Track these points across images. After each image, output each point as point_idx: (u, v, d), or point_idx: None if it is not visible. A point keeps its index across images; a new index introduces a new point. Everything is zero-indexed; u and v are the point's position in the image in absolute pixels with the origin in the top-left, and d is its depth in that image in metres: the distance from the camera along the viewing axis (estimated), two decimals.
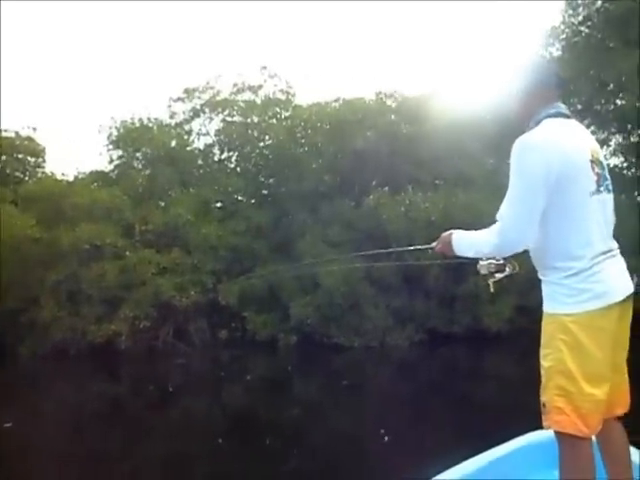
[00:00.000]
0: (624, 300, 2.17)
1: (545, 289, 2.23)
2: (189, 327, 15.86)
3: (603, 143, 17.40)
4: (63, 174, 18.57)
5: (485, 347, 13.96)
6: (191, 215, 16.17)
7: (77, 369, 13.88)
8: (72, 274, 14.93)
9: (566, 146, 2.12)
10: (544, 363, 2.18)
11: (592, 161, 2.15)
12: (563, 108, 2.27)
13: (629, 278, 2.25)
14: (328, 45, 36.76)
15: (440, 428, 7.64)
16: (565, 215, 2.12)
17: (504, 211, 2.17)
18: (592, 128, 16.98)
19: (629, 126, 16.75)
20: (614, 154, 17.55)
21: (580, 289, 2.09)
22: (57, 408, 10.26)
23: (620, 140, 17.81)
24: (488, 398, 9.41)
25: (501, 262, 2.47)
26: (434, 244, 2.62)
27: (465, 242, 2.41)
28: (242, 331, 16.15)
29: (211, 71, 23.44)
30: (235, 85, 19.88)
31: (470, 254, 2.39)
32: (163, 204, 16.84)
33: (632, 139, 17.43)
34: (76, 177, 18.77)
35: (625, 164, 17.25)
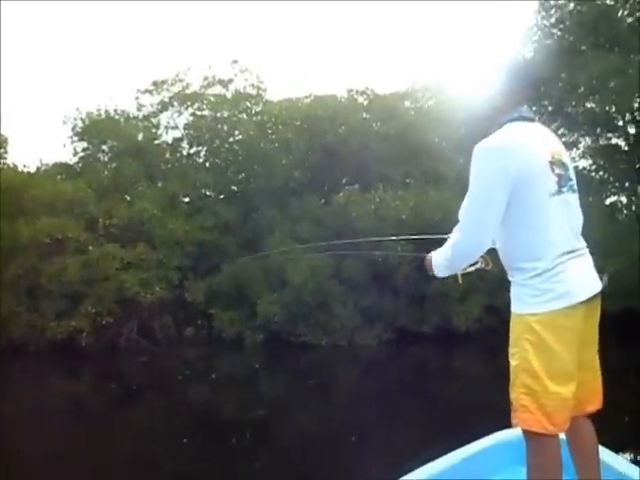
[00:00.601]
0: (590, 299, 2.18)
1: (512, 290, 2.26)
2: (154, 324, 15.52)
3: (572, 145, 17.61)
4: (25, 165, 17.94)
5: (454, 346, 14.02)
6: (157, 210, 15.81)
7: (36, 366, 13.47)
8: (32, 268, 14.50)
9: (523, 149, 2.15)
10: (512, 362, 2.21)
11: (552, 162, 2.18)
12: (525, 111, 2.29)
13: (596, 277, 2.26)
14: (301, 41, 36.57)
15: (409, 427, 7.53)
16: (524, 217, 2.16)
17: (462, 216, 2.24)
18: (562, 130, 17.19)
19: (598, 129, 16.97)
20: (583, 156, 17.77)
21: (544, 289, 2.13)
22: (14, 407, 9.83)
23: (589, 143, 18.07)
24: (457, 397, 9.40)
25: None
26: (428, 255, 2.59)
27: (438, 262, 2.44)
28: (208, 329, 15.88)
29: (181, 64, 22.89)
30: (206, 79, 19.53)
31: (447, 272, 2.45)
32: (129, 198, 16.40)
33: (601, 142, 17.68)
34: (39, 169, 18.18)
35: (594, 167, 17.48)
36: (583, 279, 2.19)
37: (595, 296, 2.21)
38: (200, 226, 16.30)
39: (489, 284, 13.06)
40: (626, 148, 17.44)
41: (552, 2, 15.06)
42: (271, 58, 32.42)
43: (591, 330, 2.26)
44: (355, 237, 14.92)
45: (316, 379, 11.05)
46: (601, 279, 2.28)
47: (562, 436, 2.21)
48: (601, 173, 17.29)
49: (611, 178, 17.29)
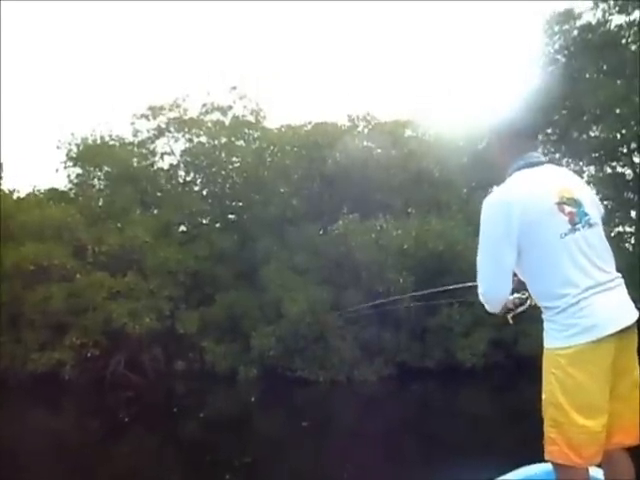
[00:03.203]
0: (623, 330, 2.18)
1: (544, 326, 2.33)
2: (142, 357, 14.82)
3: (577, 175, 17.16)
4: (12, 190, 17.47)
5: (458, 383, 13.47)
6: (150, 237, 15.24)
7: (15, 401, 12.82)
8: (14, 297, 13.88)
9: (526, 196, 2.24)
10: (543, 396, 2.27)
11: (560, 203, 2.24)
12: (534, 157, 2.39)
13: (630, 308, 2.26)
14: (302, 67, 36.46)
15: (410, 470, 7.18)
16: (537, 261, 2.26)
17: (478, 269, 2.36)
18: (566, 159, 16.80)
19: (603, 157, 16.60)
20: (588, 186, 17.29)
21: (568, 324, 2.18)
22: None
23: (593, 172, 17.68)
24: (461, 437, 8.96)
25: (525, 296, 2.56)
26: None
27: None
28: (200, 362, 15.20)
29: (178, 89, 22.55)
30: (204, 105, 19.23)
31: (495, 312, 2.53)
32: (120, 225, 15.84)
33: (606, 171, 17.29)
34: (30, 194, 17.72)
35: (599, 196, 17.02)
36: (612, 312, 2.19)
37: (630, 327, 2.22)
38: (194, 255, 15.75)
39: (495, 317, 12.35)
40: (631, 177, 17.05)
41: (556, 28, 14.79)
42: (271, 84, 32.29)
43: (627, 361, 2.26)
44: (355, 268, 14.53)
45: (311, 418, 10.38)
46: (638, 309, 2.27)
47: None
48: (606, 202, 16.82)
49: (617, 208, 16.87)
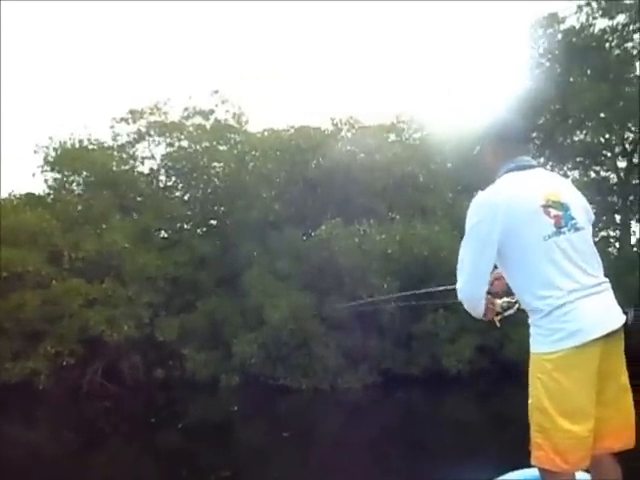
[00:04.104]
0: (610, 334, 2.18)
1: (530, 330, 2.32)
2: (121, 365, 14.38)
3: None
4: None
5: (444, 389, 13.31)
6: (128, 243, 14.83)
7: None
8: None
9: (512, 197, 2.26)
10: (529, 400, 2.27)
11: (547, 206, 2.24)
12: (524, 160, 2.40)
13: (617, 312, 2.27)
14: (285, 70, 36.18)
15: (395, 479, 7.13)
16: (521, 263, 2.27)
17: (458, 267, 2.36)
18: (551, 163, 16.75)
19: (587, 161, 16.58)
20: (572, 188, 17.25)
21: (553, 329, 2.18)
22: None
23: (577, 176, 17.66)
24: (447, 444, 8.84)
25: (514, 300, 2.52)
26: None
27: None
28: (181, 370, 14.76)
29: (160, 93, 22.22)
30: (186, 109, 18.93)
31: (476, 316, 2.51)
32: (98, 230, 15.43)
33: (590, 175, 17.28)
34: (6, 199, 17.22)
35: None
36: (597, 316, 2.19)
37: (616, 331, 2.22)
38: (174, 261, 15.37)
39: (480, 323, 12.19)
40: (615, 181, 17.05)
41: (540, 32, 14.73)
42: (253, 88, 31.94)
43: (613, 365, 2.26)
44: (338, 273, 14.27)
45: (294, 428, 10.10)
46: (625, 314, 2.28)
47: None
48: (591, 207, 16.78)
49: (602, 212, 16.85)
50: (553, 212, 2.25)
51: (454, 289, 2.51)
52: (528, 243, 2.23)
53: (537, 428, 2.20)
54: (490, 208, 2.26)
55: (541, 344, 2.22)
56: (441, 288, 3.38)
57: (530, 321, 2.31)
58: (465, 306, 2.42)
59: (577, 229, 2.28)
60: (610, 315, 2.25)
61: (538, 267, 2.22)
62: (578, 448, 2.15)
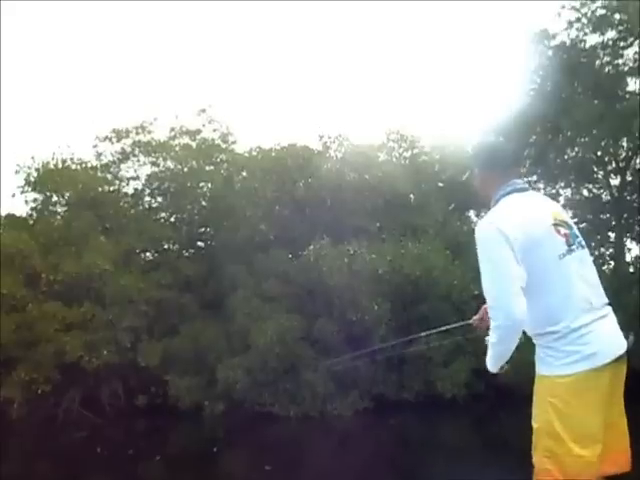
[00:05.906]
0: (616, 359, 2.18)
1: (537, 351, 2.27)
2: (100, 393, 13.80)
3: (553, 198, 16.81)
4: None
5: (439, 415, 12.77)
6: (110, 264, 14.30)
7: None
8: None
9: (523, 219, 2.23)
10: (534, 424, 2.22)
11: (556, 224, 2.26)
12: (519, 183, 2.40)
13: (621, 336, 2.26)
14: (272, 89, 35.98)
15: None
16: (537, 283, 2.19)
17: (487, 299, 2.24)
18: (543, 182, 16.47)
19: (579, 179, 16.32)
20: (564, 209, 16.97)
21: (568, 351, 2.14)
22: None
23: (569, 195, 17.40)
24: (443, 473, 8.37)
25: None
26: (473, 319, 2.74)
27: (490, 362, 2.33)
28: (163, 397, 14.15)
29: (145, 112, 21.77)
30: (172, 129, 18.56)
31: (500, 362, 2.29)
32: (79, 252, 14.88)
33: (582, 193, 17.01)
34: None
35: (575, 219, 16.69)
36: (609, 339, 2.20)
37: (621, 356, 2.22)
38: (157, 283, 14.86)
39: (477, 344, 11.72)
40: (608, 198, 16.79)
41: (531, 49, 14.55)
42: (240, 107, 31.68)
43: (618, 390, 2.26)
44: (327, 294, 13.79)
45: (281, 459, 9.58)
46: (626, 338, 2.27)
47: None
48: (583, 225, 16.49)
49: (595, 230, 16.53)
50: (563, 230, 2.27)
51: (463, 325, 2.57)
52: (546, 264, 2.20)
53: (546, 454, 2.14)
54: (503, 232, 2.18)
55: (553, 366, 2.17)
56: (444, 328, 3.37)
57: (539, 343, 2.26)
58: (505, 336, 2.19)
59: (582, 247, 2.32)
60: (618, 338, 2.26)
61: (555, 287, 2.20)
62: (586, 473, 2.12)
